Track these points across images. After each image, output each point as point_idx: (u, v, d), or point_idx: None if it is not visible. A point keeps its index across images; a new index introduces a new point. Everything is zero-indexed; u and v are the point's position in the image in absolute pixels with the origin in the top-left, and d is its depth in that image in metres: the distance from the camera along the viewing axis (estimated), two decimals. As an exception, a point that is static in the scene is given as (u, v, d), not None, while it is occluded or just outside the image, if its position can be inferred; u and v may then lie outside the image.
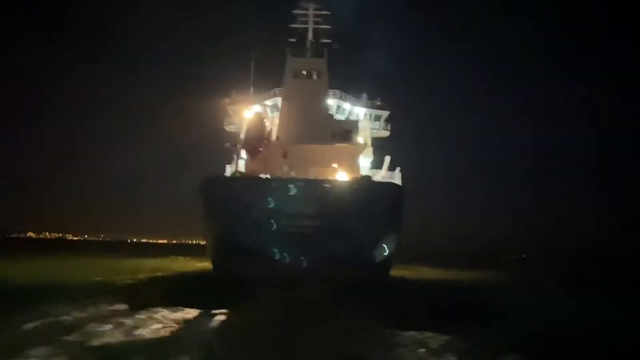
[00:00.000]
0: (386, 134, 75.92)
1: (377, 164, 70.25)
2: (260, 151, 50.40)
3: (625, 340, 25.21)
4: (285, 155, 51.38)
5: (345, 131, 55.99)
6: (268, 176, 50.70)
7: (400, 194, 53.85)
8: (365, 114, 71.35)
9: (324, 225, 47.90)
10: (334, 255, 48.17)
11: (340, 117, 65.58)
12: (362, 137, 63.38)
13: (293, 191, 47.31)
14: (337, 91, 66.37)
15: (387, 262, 55.60)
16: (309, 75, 57.00)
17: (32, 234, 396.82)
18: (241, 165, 54.29)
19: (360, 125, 65.35)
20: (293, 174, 50.05)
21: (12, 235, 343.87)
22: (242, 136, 52.52)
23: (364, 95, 73.30)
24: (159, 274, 56.12)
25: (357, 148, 54.67)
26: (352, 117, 66.97)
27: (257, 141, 49.34)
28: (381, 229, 49.27)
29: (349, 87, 70.96)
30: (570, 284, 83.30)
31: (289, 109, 56.38)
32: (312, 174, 51.48)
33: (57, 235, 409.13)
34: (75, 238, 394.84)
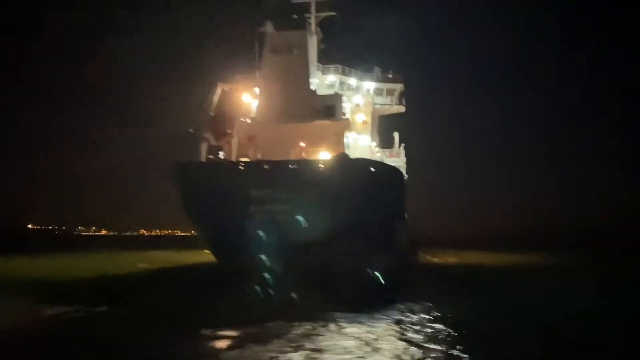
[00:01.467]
0: (401, 109, 70.06)
1: (389, 143, 65.11)
2: (228, 134, 46.89)
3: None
4: (251, 139, 47.71)
5: (327, 107, 51.05)
6: (245, 160, 47.24)
7: (387, 173, 48.70)
8: (375, 89, 66.11)
9: (294, 210, 43.83)
10: (307, 242, 44.06)
11: (351, 95, 60.79)
12: (363, 114, 58.32)
13: (259, 174, 43.60)
14: (339, 66, 61.58)
15: (388, 249, 50.66)
16: (289, 50, 52.72)
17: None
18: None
19: (360, 100, 60.22)
20: (259, 157, 46.48)
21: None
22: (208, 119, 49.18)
23: (376, 69, 68.07)
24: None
25: (340, 124, 49.65)
26: (361, 94, 61.80)
27: (223, 124, 45.94)
28: (361, 212, 44.39)
29: (357, 62, 65.99)
30: None
31: (267, 88, 52.49)
32: (294, 155, 47.42)
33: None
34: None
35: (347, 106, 59.16)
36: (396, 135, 66.55)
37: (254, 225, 44.33)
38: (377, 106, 66.39)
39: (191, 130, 45.97)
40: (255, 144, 46.81)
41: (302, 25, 54.52)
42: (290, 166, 43.82)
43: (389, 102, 66.77)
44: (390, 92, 66.92)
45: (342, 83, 62.22)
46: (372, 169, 46.43)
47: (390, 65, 67.65)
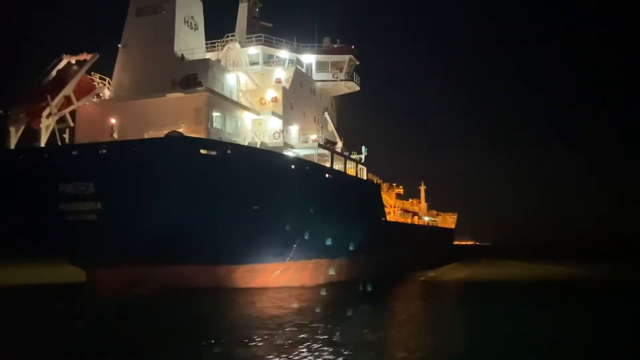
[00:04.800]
0: (354, 87, 57.26)
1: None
2: (42, 108, 37.07)
3: None
4: (109, 120, 38.28)
5: (187, 77, 40.21)
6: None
7: (260, 157, 37.17)
8: (317, 63, 54.23)
9: (108, 209, 33.71)
10: (127, 250, 33.83)
11: (281, 71, 49.52)
12: (273, 90, 46.50)
13: (67, 163, 33.92)
14: (262, 36, 50.52)
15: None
16: (155, 10, 42.49)
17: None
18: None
19: (281, 74, 48.55)
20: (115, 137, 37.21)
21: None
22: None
23: (326, 39, 56.17)
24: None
25: (201, 98, 38.40)
26: (283, 67, 50.07)
27: (39, 101, 36.53)
28: (205, 210, 33.47)
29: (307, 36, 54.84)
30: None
31: (125, 58, 42.67)
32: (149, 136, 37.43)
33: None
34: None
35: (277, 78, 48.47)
36: (327, 116, 53.92)
37: (68, 229, 34.94)
38: (319, 83, 54.40)
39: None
40: (110, 128, 37.49)
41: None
42: (101, 151, 33.68)
43: (334, 78, 54.37)
44: (336, 66, 54.62)
45: (270, 56, 51.15)
46: (229, 151, 35.15)
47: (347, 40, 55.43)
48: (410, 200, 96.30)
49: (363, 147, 56.66)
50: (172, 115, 38.31)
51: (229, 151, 35.06)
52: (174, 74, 39.62)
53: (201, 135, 37.78)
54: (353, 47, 55.08)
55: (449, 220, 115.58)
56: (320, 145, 46.24)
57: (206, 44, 50.81)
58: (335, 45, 54.85)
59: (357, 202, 50.68)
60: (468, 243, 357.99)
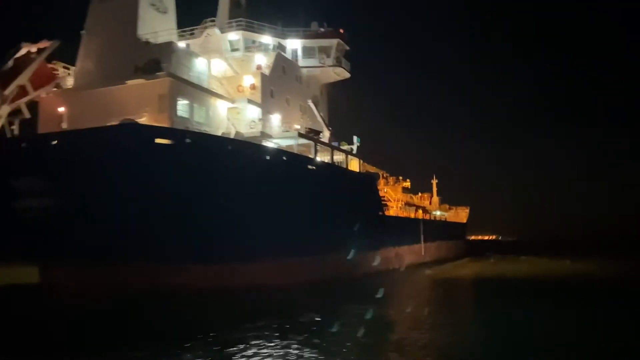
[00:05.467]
0: (343, 74, 54.01)
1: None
2: None
3: None
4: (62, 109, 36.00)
5: (150, 62, 37.50)
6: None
7: (225, 147, 34.23)
8: (303, 48, 51.20)
9: (60, 205, 31.20)
10: (80, 248, 31.30)
11: (262, 57, 46.57)
12: (251, 76, 43.54)
13: (15, 156, 31.50)
14: (243, 21, 47.62)
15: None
16: (119, -6, 39.93)
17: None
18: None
19: (262, 60, 45.65)
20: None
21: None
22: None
23: (314, 24, 53.04)
24: None
25: (164, 84, 35.52)
26: (264, 52, 47.04)
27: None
28: (160, 205, 30.70)
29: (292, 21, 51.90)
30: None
31: (88, 44, 40.07)
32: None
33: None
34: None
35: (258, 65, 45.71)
36: (311, 104, 50.71)
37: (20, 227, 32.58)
38: (306, 70, 51.29)
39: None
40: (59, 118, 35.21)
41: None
42: (51, 142, 31.19)
43: (321, 64, 51.22)
44: (323, 51, 51.49)
45: (253, 42, 48.29)
46: (188, 140, 32.36)
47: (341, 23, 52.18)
48: (419, 194, 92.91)
49: (355, 137, 53.53)
50: (134, 104, 35.69)
51: (187, 140, 32.26)
52: (136, 60, 36.93)
53: (165, 124, 35.07)
54: (341, 31, 51.88)
55: (461, 215, 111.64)
56: (301, 135, 43.17)
57: (184, 30, 48.41)
58: (322, 29, 51.68)
59: (346, 195, 47.57)
60: (490, 238, 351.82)
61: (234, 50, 47.90)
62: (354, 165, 66.44)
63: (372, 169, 75.44)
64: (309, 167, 42.98)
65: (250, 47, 47.86)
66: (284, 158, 39.40)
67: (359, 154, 54.64)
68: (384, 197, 75.30)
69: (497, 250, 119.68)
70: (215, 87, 42.20)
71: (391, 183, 79.80)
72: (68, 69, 40.68)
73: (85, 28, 40.16)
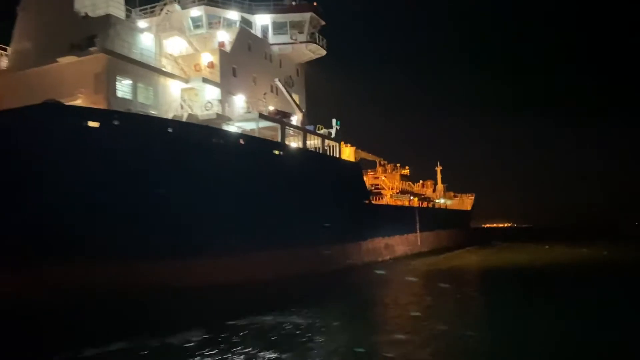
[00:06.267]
0: (318, 51, 49.81)
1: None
2: None
3: None
4: None
5: (86, 38, 33.84)
6: None
7: (165, 129, 30.41)
8: (273, 24, 47.21)
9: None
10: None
11: (225, 33, 42.67)
12: (209, 54, 39.65)
13: None
14: (205, -6, 43.68)
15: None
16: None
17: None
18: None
19: (225, 37, 41.73)
20: None
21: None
22: None
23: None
24: None
25: (99, 61, 31.78)
26: (227, 29, 43.09)
27: None
28: (85, 195, 27.12)
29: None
30: None
31: (24, 22, 36.43)
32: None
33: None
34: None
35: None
36: (279, 83, 46.51)
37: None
38: (277, 48, 47.25)
39: None
40: None
41: None
42: None
43: (293, 40, 47.13)
44: (296, 27, 47.37)
45: (218, 17, 44.38)
46: (116, 122, 28.63)
47: None
48: (420, 182, 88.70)
49: (334, 121, 49.41)
50: (70, 85, 32.10)
51: (116, 122, 28.51)
52: (73, 37, 33.23)
53: (101, 106, 31.40)
54: (315, 3, 47.68)
55: (466, 202, 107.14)
56: (263, 117, 39.23)
57: (144, 8, 44.67)
58: (293, 2, 47.54)
59: (323, 183, 43.66)
60: (505, 225, 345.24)
61: (196, 27, 44.17)
62: (347, 152, 62.46)
63: (368, 156, 71.57)
64: (275, 152, 39.11)
65: (214, 23, 44.00)
66: (241, 142, 35.54)
67: (340, 138, 50.40)
68: (378, 185, 71.53)
69: (505, 238, 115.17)
70: (169, 66, 38.46)
71: (389, 170, 75.81)
72: (5, 50, 37.21)
73: (20, 5, 36.57)
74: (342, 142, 65.08)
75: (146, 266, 29.28)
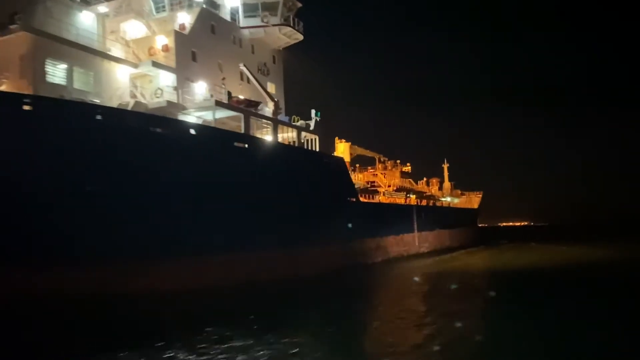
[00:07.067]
0: (295, 36, 45.71)
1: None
2: None
3: None
4: None
5: (11, 16, 30.20)
6: None
7: (92, 116, 26.59)
8: (244, 5, 43.34)
9: None
10: None
11: (186, 15, 38.90)
12: (164, 36, 35.89)
13: None
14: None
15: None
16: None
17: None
18: None
19: (186, 19, 38.02)
20: None
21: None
22: None
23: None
24: None
25: (25, 40, 28.02)
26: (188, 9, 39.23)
27: None
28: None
29: None
30: None
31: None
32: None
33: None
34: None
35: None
36: (245, 69, 42.31)
37: None
38: (247, 32, 43.26)
39: None
40: None
41: None
42: None
43: (264, 23, 43.09)
44: (269, 8, 43.31)
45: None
46: (28, 107, 24.93)
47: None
48: (424, 179, 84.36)
49: (313, 111, 45.22)
50: None
51: (27, 107, 24.77)
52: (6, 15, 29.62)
53: (27, 92, 27.73)
54: (290, -17, 43.69)
55: (474, 200, 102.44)
56: (221, 105, 35.22)
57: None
58: (265, -18, 43.56)
59: (298, 179, 39.60)
60: (522, 224, 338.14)
61: (159, 10, 40.43)
62: (341, 148, 58.30)
63: (366, 153, 67.50)
64: (236, 144, 35.09)
65: (176, 5, 40.21)
66: (192, 132, 31.60)
67: (319, 130, 46.17)
68: (374, 182, 67.33)
69: (513, 238, 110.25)
70: (118, 50, 34.74)
71: (389, 167, 71.66)
72: None
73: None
74: (337, 138, 61.34)
75: (71, 271, 25.63)
